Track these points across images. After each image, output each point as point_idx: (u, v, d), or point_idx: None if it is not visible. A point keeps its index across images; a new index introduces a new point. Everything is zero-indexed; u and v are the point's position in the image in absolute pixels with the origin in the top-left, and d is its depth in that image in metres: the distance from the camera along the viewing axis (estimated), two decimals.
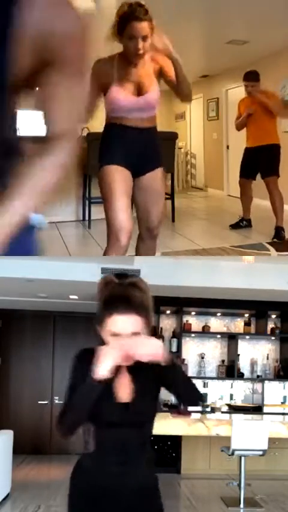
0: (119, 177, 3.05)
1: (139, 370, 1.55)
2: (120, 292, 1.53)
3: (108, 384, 1.51)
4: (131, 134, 3.07)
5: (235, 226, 6.47)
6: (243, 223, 6.47)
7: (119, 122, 3.07)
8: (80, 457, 1.64)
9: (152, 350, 1.49)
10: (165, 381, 1.59)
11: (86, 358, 1.52)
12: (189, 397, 1.67)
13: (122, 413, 1.55)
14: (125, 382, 1.57)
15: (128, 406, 1.55)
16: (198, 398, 1.69)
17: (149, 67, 3.03)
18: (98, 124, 3.54)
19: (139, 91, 3.01)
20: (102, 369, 1.46)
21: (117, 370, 1.53)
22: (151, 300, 1.59)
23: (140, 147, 3.11)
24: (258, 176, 6.29)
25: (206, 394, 6.44)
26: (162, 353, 1.50)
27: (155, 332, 6.27)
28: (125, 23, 2.83)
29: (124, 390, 1.56)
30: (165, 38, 2.95)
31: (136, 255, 3.51)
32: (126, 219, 3.02)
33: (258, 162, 6.17)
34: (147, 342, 1.50)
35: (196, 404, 1.75)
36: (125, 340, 1.49)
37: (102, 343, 1.54)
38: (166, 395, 6.22)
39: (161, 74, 3.07)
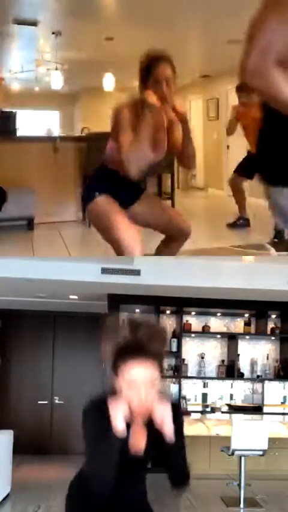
0: (113, 203, 2.98)
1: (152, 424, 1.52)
2: (135, 340, 1.51)
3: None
4: (123, 181, 2.97)
5: (232, 225, 6.47)
6: (239, 222, 6.47)
7: (113, 168, 2.98)
8: (80, 471, 1.65)
9: (165, 418, 1.47)
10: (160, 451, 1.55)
11: (97, 410, 1.51)
12: (174, 477, 1.61)
13: (132, 461, 1.56)
14: (138, 433, 1.56)
15: (139, 457, 1.56)
16: (183, 482, 1.64)
17: (163, 123, 2.94)
18: (97, 124, 3.54)
19: (154, 147, 2.88)
20: (119, 425, 1.45)
21: (133, 420, 1.52)
22: (166, 344, 1.59)
23: (130, 190, 3.10)
24: (257, 176, 6.27)
25: (206, 394, 6.44)
26: (169, 427, 1.47)
27: None
28: (151, 67, 2.80)
29: (138, 441, 1.56)
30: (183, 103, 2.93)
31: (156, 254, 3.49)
32: (134, 233, 2.91)
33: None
34: (164, 409, 1.48)
35: (179, 487, 1.66)
36: (142, 396, 1.46)
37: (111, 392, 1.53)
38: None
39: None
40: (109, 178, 3.02)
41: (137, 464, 1.58)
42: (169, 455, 1.53)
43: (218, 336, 6.54)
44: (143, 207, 3.17)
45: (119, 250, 2.93)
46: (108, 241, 2.99)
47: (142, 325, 1.53)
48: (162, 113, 2.89)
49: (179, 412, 1.59)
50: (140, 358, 1.48)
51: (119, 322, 1.54)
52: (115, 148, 2.87)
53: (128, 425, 1.50)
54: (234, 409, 6.20)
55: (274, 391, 6.45)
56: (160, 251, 3.41)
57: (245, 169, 6.38)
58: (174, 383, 6.29)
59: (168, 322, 6.42)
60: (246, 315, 6.49)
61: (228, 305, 6.04)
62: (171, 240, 3.31)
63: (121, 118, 2.82)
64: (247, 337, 6.51)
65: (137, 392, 1.46)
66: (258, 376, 6.45)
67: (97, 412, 1.51)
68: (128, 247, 2.88)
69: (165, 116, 2.93)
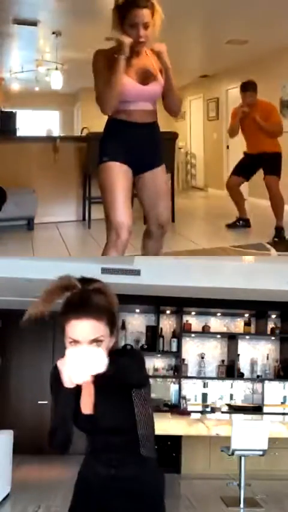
0: (119, 173, 3.01)
1: (103, 380, 1.44)
2: (80, 298, 1.47)
3: (77, 396, 1.52)
4: (133, 130, 3.02)
5: (232, 226, 6.46)
6: (240, 223, 6.47)
7: (122, 117, 3.01)
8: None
9: (73, 370, 1.40)
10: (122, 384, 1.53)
11: (55, 371, 1.51)
12: (126, 378, 1.52)
13: (91, 424, 1.54)
14: (88, 393, 1.54)
15: (94, 417, 1.54)
16: (134, 381, 1.55)
17: (152, 59, 3.01)
18: (97, 124, 3.54)
19: (144, 80, 2.97)
20: (65, 380, 1.43)
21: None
22: (116, 304, 1.50)
23: (142, 144, 3.07)
24: (257, 176, 6.28)
25: (206, 394, 6.44)
26: (101, 370, 1.39)
27: (155, 332, 6.27)
28: (126, 10, 2.81)
29: (88, 401, 1.54)
30: (163, 44, 2.94)
31: (142, 254, 3.49)
32: (126, 214, 2.99)
33: (258, 166, 6.15)
34: (68, 362, 1.41)
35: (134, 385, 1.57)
36: (64, 363, 1.42)
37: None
38: (166, 396, 6.23)
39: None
40: (116, 135, 3.04)
41: (114, 434, 1.55)
42: (119, 373, 1.46)
43: (218, 336, 6.54)
44: (149, 180, 3.16)
45: (108, 226, 3.02)
46: (103, 208, 3.06)
47: (88, 283, 1.50)
48: (143, 52, 2.96)
49: (129, 352, 1.66)
50: (80, 315, 1.44)
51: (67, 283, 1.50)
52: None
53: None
54: (234, 409, 6.20)
55: (274, 391, 6.45)
56: (144, 250, 3.42)
57: (242, 171, 6.37)
58: (174, 383, 6.29)
59: (168, 322, 6.43)
60: (246, 315, 6.49)
61: (228, 305, 6.04)
62: (149, 237, 3.33)
63: (96, 65, 2.98)
64: (247, 337, 6.51)
65: (62, 366, 1.43)
66: (258, 376, 6.46)
67: (56, 372, 1.50)
68: (116, 228, 2.97)
69: (151, 58, 2.99)
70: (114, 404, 1.53)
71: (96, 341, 1.44)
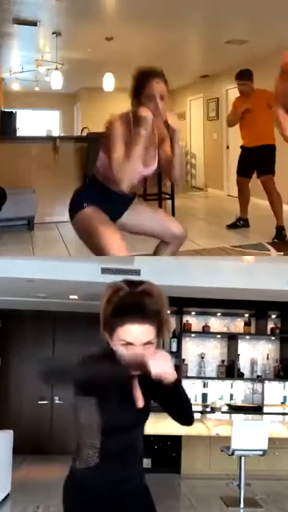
0: (101, 213, 2.94)
1: (143, 376, 1.53)
2: (133, 301, 1.50)
3: (124, 392, 1.54)
4: (113, 197, 2.94)
5: (232, 226, 6.47)
6: (240, 223, 6.47)
7: (105, 183, 2.94)
8: (73, 472, 1.63)
9: (163, 369, 1.47)
10: (160, 397, 1.58)
11: (98, 358, 1.54)
12: (179, 418, 1.66)
13: (136, 419, 1.59)
14: (136, 389, 1.59)
15: (140, 412, 1.59)
16: (188, 422, 1.68)
17: (156, 135, 2.93)
18: (97, 124, 3.54)
19: (146, 161, 2.88)
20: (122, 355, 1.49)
21: (131, 378, 1.54)
22: (165, 306, 1.55)
23: (120, 207, 3.07)
24: (256, 175, 6.29)
25: (206, 394, 6.44)
26: (170, 374, 1.49)
27: None
28: (144, 81, 2.75)
29: (137, 397, 1.58)
30: (177, 121, 2.88)
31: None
32: (120, 239, 2.89)
33: (254, 162, 6.17)
34: (160, 360, 1.48)
35: (184, 424, 1.70)
36: (139, 352, 1.48)
37: (108, 351, 1.53)
38: None
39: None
40: (99, 190, 2.99)
41: (136, 429, 1.61)
42: (167, 399, 1.55)
43: (218, 336, 6.54)
44: (133, 215, 3.14)
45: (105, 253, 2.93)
46: (93, 250, 2.97)
47: (137, 287, 1.53)
48: (154, 128, 2.88)
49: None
50: (136, 319, 1.47)
51: (116, 287, 1.54)
52: (106, 163, 2.84)
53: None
54: (234, 409, 6.20)
55: (274, 391, 6.45)
56: (157, 254, 3.40)
57: (242, 168, 6.39)
58: None
59: None
60: (246, 315, 6.49)
61: (228, 305, 6.04)
62: (167, 245, 3.29)
63: (114, 132, 2.78)
64: (247, 337, 6.51)
65: (135, 352, 1.48)
66: (258, 376, 6.45)
67: (98, 358, 1.54)
68: (113, 253, 2.89)
69: (157, 131, 2.93)
70: (147, 398, 1.61)
71: (149, 343, 1.50)
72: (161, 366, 1.47)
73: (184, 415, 1.65)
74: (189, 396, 1.63)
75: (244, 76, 6.08)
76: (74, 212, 3.03)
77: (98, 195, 2.98)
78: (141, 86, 2.76)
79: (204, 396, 6.42)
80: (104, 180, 2.95)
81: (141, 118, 2.72)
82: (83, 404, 1.55)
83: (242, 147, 6.42)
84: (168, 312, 1.59)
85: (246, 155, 6.30)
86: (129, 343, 1.48)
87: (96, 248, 2.92)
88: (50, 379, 1.63)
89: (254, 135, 6.09)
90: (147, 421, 1.66)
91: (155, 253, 3.38)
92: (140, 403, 1.58)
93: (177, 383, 1.52)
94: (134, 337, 1.48)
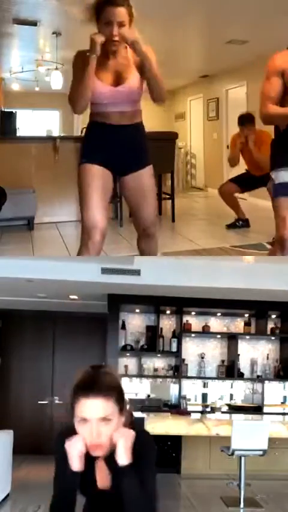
0: (94, 175, 3.00)
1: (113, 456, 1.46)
2: (88, 377, 1.48)
3: (88, 472, 1.50)
4: (110, 133, 3.00)
5: (231, 226, 6.48)
6: (239, 223, 6.49)
7: (99, 120, 3.00)
8: None
9: (123, 443, 1.42)
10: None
11: (62, 441, 1.49)
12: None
13: (106, 498, 1.54)
14: (103, 469, 1.52)
15: (107, 493, 1.53)
16: None
17: (129, 57, 2.95)
18: None
19: (118, 81, 2.92)
20: (73, 463, 1.43)
21: (95, 458, 1.48)
22: (120, 383, 1.51)
23: (122, 146, 3.04)
24: None
25: (206, 394, 6.44)
26: (126, 453, 1.42)
27: (155, 332, 6.27)
28: (102, 7, 2.77)
29: (103, 478, 1.52)
30: (136, 32, 2.87)
31: (140, 254, 3.49)
32: (99, 217, 2.97)
33: (260, 184, 6.18)
34: (125, 434, 1.43)
35: None
36: (95, 428, 1.43)
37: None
38: (166, 396, 6.23)
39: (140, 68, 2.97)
40: (96, 137, 3.03)
41: (115, 502, 1.52)
42: (122, 485, 1.42)
43: (218, 336, 6.54)
44: (134, 181, 3.14)
45: (82, 225, 3.03)
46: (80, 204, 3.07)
47: (94, 368, 1.51)
48: (116, 53, 2.91)
49: (146, 440, 1.51)
50: (90, 395, 1.43)
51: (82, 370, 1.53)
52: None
53: (93, 460, 1.49)
54: (234, 409, 6.20)
55: (274, 391, 6.45)
56: (138, 246, 3.43)
57: (241, 183, 6.47)
58: (174, 383, 6.29)
59: (168, 322, 6.43)
60: (246, 315, 6.49)
61: (228, 305, 6.03)
62: (138, 234, 3.34)
63: (74, 65, 2.94)
64: (247, 337, 6.51)
65: (89, 430, 1.42)
66: (258, 376, 6.45)
67: (61, 444, 1.49)
68: (87, 229, 2.97)
69: (127, 55, 2.95)
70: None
71: (105, 420, 1.44)
72: (123, 438, 1.42)
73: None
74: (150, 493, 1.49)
75: (245, 121, 6.19)
76: (78, 165, 3.09)
77: (95, 143, 3.03)
78: (98, 13, 2.80)
79: (204, 396, 6.42)
80: (92, 116, 3.03)
81: (92, 41, 2.80)
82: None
83: (247, 170, 6.49)
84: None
85: (251, 177, 6.36)
86: (84, 419, 1.43)
87: (80, 211, 3.04)
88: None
89: (256, 168, 6.13)
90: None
91: (139, 250, 3.42)
92: (103, 485, 1.52)
93: (126, 470, 1.41)
94: (88, 412, 1.43)
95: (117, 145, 3.04)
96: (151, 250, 3.41)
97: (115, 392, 1.46)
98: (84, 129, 3.23)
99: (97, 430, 1.42)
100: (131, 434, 1.45)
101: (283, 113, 2.92)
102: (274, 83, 2.94)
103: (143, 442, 1.49)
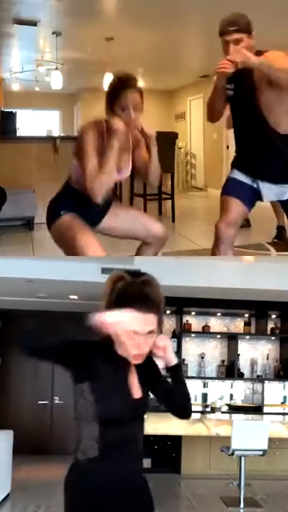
0: (78, 220, 2.95)
1: (142, 366, 1.59)
2: (137, 290, 1.53)
3: (120, 382, 1.57)
4: (93, 204, 2.92)
5: None
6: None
7: (81, 191, 2.92)
8: (74, 463, 1.62)
9: (167, 347, 1.58)
10: (158, 387, 1.67)
11: (93, 350, 1.58)
12: (176, 409, 1.71)
13: (133, 410, 1.58)
14: (134, 379, 1.60)
15: (137, 403, 1.59)
16: (186, 413, 1.71)
17: (128, 144, 2.95)
18: None
19: (119, 168, 2.91)
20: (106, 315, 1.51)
21: (128, 367, 1.58)
22: (163, 298, 1.58)
23: (98, 212, 3.06)
24: None
25: (206, 394, 6.44)
26: (172, 355, 1.61)
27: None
28: (118, 92, 2.74)
29: (134, 387, 1.60)
30: (153, 129, 2.87)
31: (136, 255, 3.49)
32: (96, 242, 2.90)
33: None
34: (164, 339, 1.57)
35: (181, 417, 1.72)
36: (143, 341, 1.53)
37: (106, 340, 1.55)
38: None
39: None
40: (75, 197, 2.99)
41: (137, 422, 1.62)
42: (178, 379, 1.65)
43: (218, 336, 6.54)
44: (112, 219, 3.14)
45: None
46: (71, 254, 2.97)
47: (138, 277, 1.57)
48: (128, 135, 2.90)
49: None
50: (143, 309, 1.51)
51: (117, 276, 1.58)
52: (80, 171, 2.86)
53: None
54: (234, 409, 6.20)
55: (274, 391, 6.45)
56: (139, 255, 3.40)
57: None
58: None
59: (168, 322, 6.43)
60: (246, 315, 6.49)
61: (228, 305, 6.04)
62: (148, 246, 3.29)
63: (86, 142, 2.77)
64: (247, 337, 6.51)
65: (137, 342, 1.52)
66: (258, 376, 6.45)
67: (89, 348, 1.62)
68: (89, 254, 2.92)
69: (131, 137, 2.94)
70: (147, 390, 1.64)
71: (151, 332, 1.54)
72: (165, 343, 1.57)
73: (182, 406, 1.69)
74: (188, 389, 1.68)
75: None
76: (51, 221, 3.02)
77: (74, 202, 2.98)
78: (114, 96, 2.76)
79: (204, 396, 6.42)
80: (79, 187, 2.94)
81: (114, 130, 2.73)
82: (80, 393, 1.57)
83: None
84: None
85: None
86: (135, 332, 1.51)
87: (73, 252, 2.94)
88: (32, 351, 1.67)
89: None
90: (146, 422, 1.66)
91: (137, 254, 3.39)
92: (136, 393, 1.59)
93: (178, 367, 1.63)
94: (139, 325, 1.51)
95: (95, 211, 3.04)
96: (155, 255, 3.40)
97: (158, 308, 1.55)
98: None
99: (145, 342, 1.53)
100: (169, 339, 1.62)
101: (211, 92, 3.06)
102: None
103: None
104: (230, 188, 3.24)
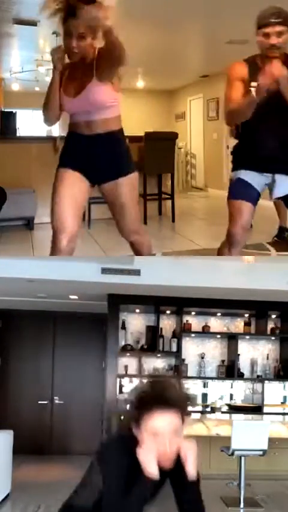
0: (68, 180, 3.01)
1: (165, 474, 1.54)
2: (160, 390, 1.52)
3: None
4: (84, 142, 2.99)
5: None
6: None
7: (72, 130, 3.03)
8: None
9: (186, 456, 1.51)
10: (177, 490, 1.62)
11: (121, 448, 1.53)
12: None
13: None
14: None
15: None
16: None
17: (90, 64, 2.90)
18: None
19: (78, 91, 2.92)
20: (152, 469, 1.46)
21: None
22: (187, 398, 1.57)
23: (93, 156, 3.01)
24: None
25: (206, 394, 6.44)
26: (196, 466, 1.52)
27: (154, 332, 6.27)
28: (64, 20, 2.77)
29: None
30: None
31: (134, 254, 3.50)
32: (67, 220, 2.97)
33: None
34: (193, 447, 1.51)
35: None
36: (167, 446, 1.48)
37: (125, 436, 1.53)
38: None
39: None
40: (72, 144, 3.07)
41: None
42: (186, 492, 1.60)
43: (218, 336, 6.54)
44: (114, 191, 3.11)
45: (51, 222, 3.04)
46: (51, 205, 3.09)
47: (160, 378, 1.59)
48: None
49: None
50: (165, 409, 1.48)
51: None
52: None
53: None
54: (234, 409, 6.20)
55: (274, 391, 6.45)
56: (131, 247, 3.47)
57: None
58: None
59: (168, 322, 6.42)
60: (246, 315, 6.49)
61: (228, 305, 6.03)
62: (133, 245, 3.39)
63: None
64: (247, 337, 6.50)
65: (162, 443, 1.47)
66: (258, 376, 6.45)
67: (122, 449, 1.52)
68: (55, 234, 2.99)
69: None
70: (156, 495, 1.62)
71: (176, 432, 1.50)
72: (187, 451, 1.50)
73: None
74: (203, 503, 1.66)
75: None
76: (57, 167, 3.12)
77: (70, 152, 3.06)
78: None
79: (204, 396, 6.42)
80: (70, 124, 3.07)
81: (52, 57, 2.98)
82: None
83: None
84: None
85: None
86: (156, 434, 1.48)
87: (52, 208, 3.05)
88: None
89: None
90: None
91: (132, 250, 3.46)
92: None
93: (197, 481, 1.57)
94: (162, 427, 1.48)
95: (90, 154, 3.02)
96: (147, 250, 3.42)
97: (184, 407, 1.52)
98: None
99: (170, 443, 1.48)
100: (195, 446, 1.53)
101: (244, 103, 2.97)
102: (237, 87, 3.10)
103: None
104: (241, 192, 3.22)
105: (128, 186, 3.11)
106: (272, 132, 3.11)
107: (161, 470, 1.49)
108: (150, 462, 1.46)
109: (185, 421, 1.54)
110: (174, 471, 1.53)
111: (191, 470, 1.52)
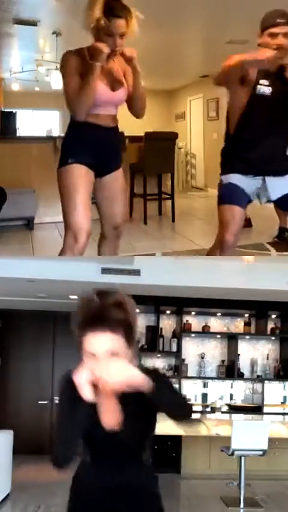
0: (84, 176, 3.03)
1: (129, 396, 1.44)
2: (96, 311, 1.45)
3: (95, 411, 1.48)
4: (100, 134, 3.06)
5: None
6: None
7: (90, 120, 3.03)
8: (78, 465, 1.62)
9: (124, 379, 1.38)
10: (153, 405, 1.51)
11: (67, 381, 1.47)
12: (175, 415, 1.54)
13: (112, 440, 1.51)
14: (111, 408, 1.50)
15: (117, 434, 1.50)
16: (183, 415, 1.59)
17: (119, 65, 3.05)
18: None
19: (114, 86, 3.01)
20: (85, 392, 1.39)
21: (104, 395, 1.45)
22: (133, 316, 1.48)
23: (108, 147, 3.12)
24: None
25: (206, 394, 6.44)
26: (140, 382, 1.39)
27: (154, 331, 6.27)
28: (108, 19, 2.84)
29: (111, 417, 1.50)
30: (134, 49, 2.97)
31: (98, 254, 3.51)
32: (87, 218, 3.01)
33: None
34: (118, 370, 1.39)
35: (182, 420, 1.62)
36: (97, 365, 1.41)
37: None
38: None
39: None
40: (81, 135, 3.06)
41: (123, 445, 1.52)
42: (161, 404, 1.48)
43: (218, 336, 6.54)
44: (110, 183, 3.19)
45: (66, 229, 3.06)
46: (62, 211, 3.08)
47: (106, 298, 1.47)
48: (115, 62, 3.01)
49: (159, 375, 1.51)
50: (98, 328, 1.42)
51: (86, 298, 1.49)
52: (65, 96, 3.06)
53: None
54: (234, 409, 6.20)
55: (274, 391, 6.45)
56: (99, 246, 3.47)
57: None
58: (174, 383, 6.29)
59: (168, 322, 6.43)
60: (246, 315, 6.49)
61: (228, 305, 6.04)
62: (104, 234, 3.37)
63: (68, 65, 2.99)
64: (247, 337, 6.51)
65: (98, 365, 1.41)
66: (258, 376, 6.46)
67: (68, 382, 1.46)
68: (74, 233, 3.00)
69: (119, 66, 3.04)
70: (137, 420, 1.53)
71: (113, 354, 1.43)
72: (117, 374, 1.38)
73: (178, 416, 1.57)
74: (180, 395, 1.60)
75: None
76: (60, 165, 3.10)
77: (86, 143, 3.05)
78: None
79: (204, 396, 6.42)
80: (88, 114, 3.04)
81: (97, 51, 2.86)
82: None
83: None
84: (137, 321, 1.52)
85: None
86: (92, 354, 1.43)
87: (63, 213, 3.06)
88: (67, 464, 1.51)
89: None
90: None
91: (98, 251, 3.47)
92: (110, 425, 1.50)
93: (154, 392, 1.42)
94: (95, 347, 1.43)
95: (105, 146, 3.10)
96: (114, 252, 3.43)
97: (123, 326, 1.45)
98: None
99: (107, 364, 1.40)
100: (123, 362, 1.42)
101: (249, 56, 3.05)
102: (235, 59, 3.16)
103: (159, 375, 1.49)
104: (232, 196, 3.21)
105: (121, 177, 3.26)
106: (263, 134, 3.13)
107: (125, 393, 1.41)
108: (82, 385, 1.40)
109: (131, 343, 1.46)
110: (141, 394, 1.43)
111: (144, 386, 1.40)
